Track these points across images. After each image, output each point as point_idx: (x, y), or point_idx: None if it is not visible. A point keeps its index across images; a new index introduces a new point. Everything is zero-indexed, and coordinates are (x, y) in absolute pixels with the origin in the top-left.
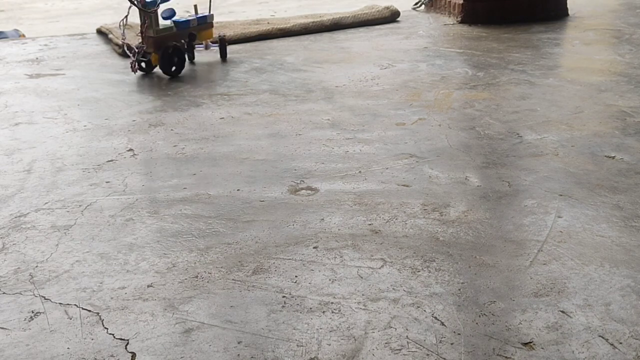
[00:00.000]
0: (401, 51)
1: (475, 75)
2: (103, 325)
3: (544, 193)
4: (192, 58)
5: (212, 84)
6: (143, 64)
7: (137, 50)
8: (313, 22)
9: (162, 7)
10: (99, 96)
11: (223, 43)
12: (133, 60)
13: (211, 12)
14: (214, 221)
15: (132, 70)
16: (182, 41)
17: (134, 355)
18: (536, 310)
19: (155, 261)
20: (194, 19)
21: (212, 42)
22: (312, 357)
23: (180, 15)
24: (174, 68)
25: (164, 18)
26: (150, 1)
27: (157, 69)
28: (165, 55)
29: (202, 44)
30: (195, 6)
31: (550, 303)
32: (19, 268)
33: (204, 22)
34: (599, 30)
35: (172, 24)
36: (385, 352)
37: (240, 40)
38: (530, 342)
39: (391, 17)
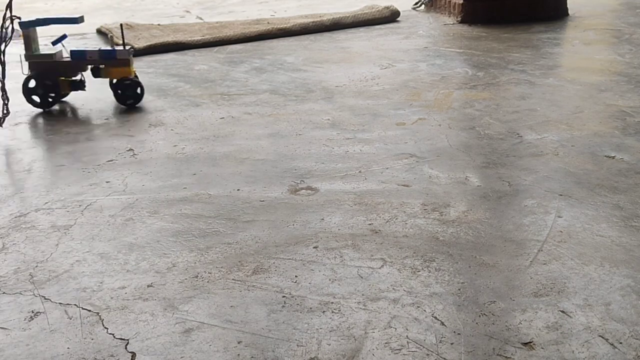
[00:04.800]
0: (401, 51)
1: (475, 75)
2: (103, 325)
3: (544, 193)
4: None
5: (212, 84)
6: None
7: None
8: (313, 22)
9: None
10: (99, 96)
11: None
12: None
13: (125, 48)
14: (214, 221)
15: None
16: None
17: (133, 355)
18: (536, 310)
19: (155, 261)
20: (93, 51)
21: None
22: (312, 357)
23: None
24: None
25: (53, 42)
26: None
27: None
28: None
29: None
30: (111, 37)
31: (550, 303)
32: (19, 268)
33: (111, 58)
34: (599, 30)
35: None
36: (385, 352)
37: (240, 40)
38: (530, 342)
39: (391, 17)
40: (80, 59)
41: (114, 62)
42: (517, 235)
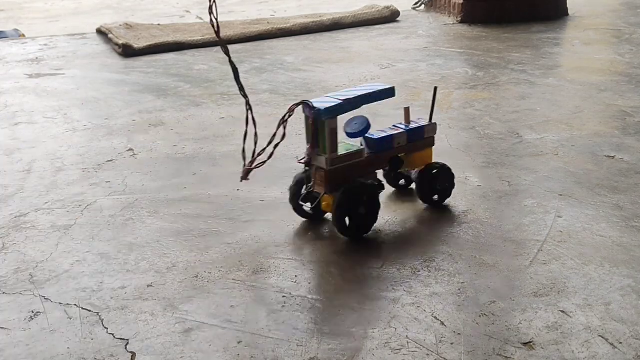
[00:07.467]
0: (401, 51)
1: (475, 75)
2: (103, 325)
3: (544, 193)
4: (402, 188)
5: (212, 84)
6: (307, 207)
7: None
8: (313, 22)
9: (346, 117)
10: (99, 96)
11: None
12: (247, 167)
13: (432, 122)
14: (214, 221)
15: (243, 178)
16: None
17: (133, 355)
18: (536, 310)
19: (155, 261)
20: (401, 134)
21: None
22: (312, 357)
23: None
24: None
25: (350, 135)
26: (326, 109)
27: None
28: (344, 201)
29: (408, 172)
30: (407, 110)
31: (550, 303)
32: (19, 268)
33: (419, 138)
34: (599, 30)
35: (362, 145)
36: (385, 352)
37: (240, 40)
38: (530, 342)
39: (391, 17)
40: (386, 149)
41: (419, 145)
42: (517, 235)
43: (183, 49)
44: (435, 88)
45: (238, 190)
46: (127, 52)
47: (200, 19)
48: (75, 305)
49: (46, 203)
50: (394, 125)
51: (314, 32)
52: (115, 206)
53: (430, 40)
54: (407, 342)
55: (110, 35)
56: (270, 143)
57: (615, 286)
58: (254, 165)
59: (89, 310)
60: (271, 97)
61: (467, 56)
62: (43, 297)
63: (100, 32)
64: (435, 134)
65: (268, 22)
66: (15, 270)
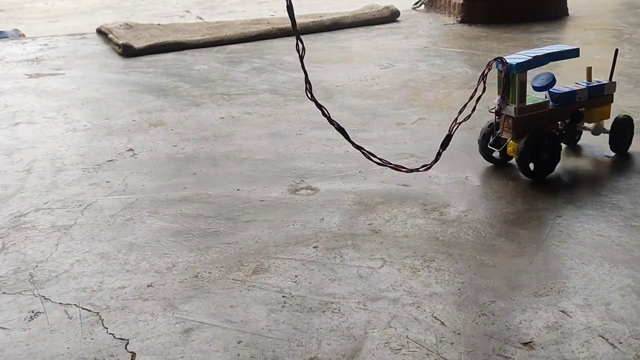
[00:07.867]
0: (401, 51)
1: (475, 75)
2: (103, 325)
3: (544, 192)
4: (573, 145)
5: (212, 83)
6: (496, 153)
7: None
8: (313, 22)
9: (534, 72)
10: (99, 96)
11: (621, 127)
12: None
13: (612, 80)
14: (213, 221)
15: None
16: (559, 124)
17: (133, 355)
18: (536, 310)
19: (155, 261)
20: (582, 90)
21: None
22: (312, 357)
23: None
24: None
25: (536, 88)
26: (517, 64)
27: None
28: (528, 146)
29: (587, 127)
30: (589, 69)
31: (550, 303)
32: (19, 268)
33: (599, 95)
34: (599, 30)
35: (547, 98)
36: (385, 352)
37: (240, 40)
38: (530, 342)
39: (391, 17)
40: (568, 102)
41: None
42: (517, 235)
43: (183, 49)
44: (617, 50)
45: (238, 190)
46: (127, 52)
47: (200, 19)
48: (75, 305)
49: (46, 203)
50: (576, 83)
51: (314, 32)
52: (115, 206)
53: (430, 40)
54: (407, 342)
55: (110, 35)
56: (471, 97)
57: (615, 286)
58: (457, 123)
59: (89, 310)
60: (271, 97)
61: (467, 56)
62: (43, 297)
63: (100, 32)
64: (614, 91)
65: (268, 22)
66: (15, 270)
